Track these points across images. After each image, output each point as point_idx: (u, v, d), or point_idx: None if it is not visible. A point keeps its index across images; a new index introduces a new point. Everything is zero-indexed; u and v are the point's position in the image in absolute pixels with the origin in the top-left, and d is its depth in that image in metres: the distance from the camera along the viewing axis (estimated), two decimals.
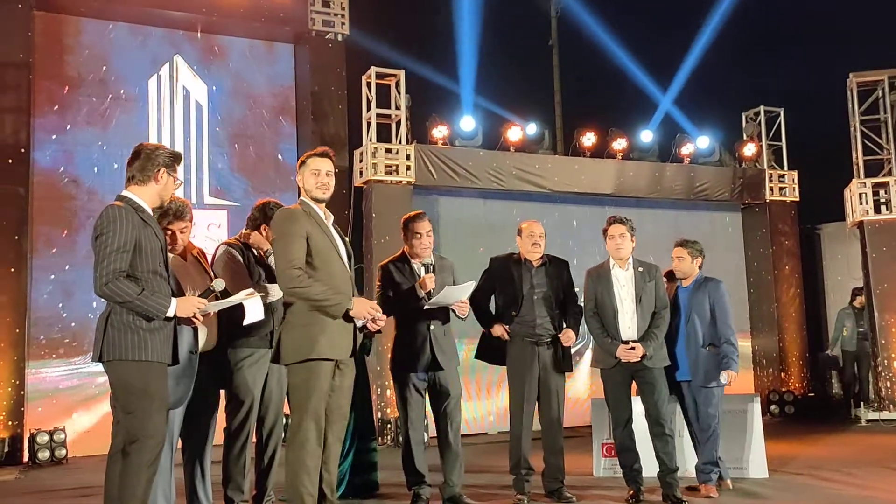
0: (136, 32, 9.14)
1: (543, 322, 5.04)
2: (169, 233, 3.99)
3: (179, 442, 4.13)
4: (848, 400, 10.69)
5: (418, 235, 4.86)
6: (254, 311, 4.00)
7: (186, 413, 4.00)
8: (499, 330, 5.06)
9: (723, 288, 5.42)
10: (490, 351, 5.18)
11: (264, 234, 4.50)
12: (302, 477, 3.74)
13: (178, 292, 3.65)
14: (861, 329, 10.55)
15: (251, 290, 3.91)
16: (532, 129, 10.20)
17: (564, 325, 5.09)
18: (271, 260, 4.31)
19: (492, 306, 5.26)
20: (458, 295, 4.73)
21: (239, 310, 3.98)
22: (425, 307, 4.70)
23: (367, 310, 3.87)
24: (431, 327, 4.77)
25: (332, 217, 4.03)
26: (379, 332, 4.20)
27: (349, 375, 3.95)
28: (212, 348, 4.09)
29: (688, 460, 5.78)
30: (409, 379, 4.80)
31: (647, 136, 10.71)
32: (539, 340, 5.03)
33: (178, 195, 3.92)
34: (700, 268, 5.46)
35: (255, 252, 4.52)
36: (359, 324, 3.93)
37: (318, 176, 3.93)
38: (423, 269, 4.80)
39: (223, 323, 4.14)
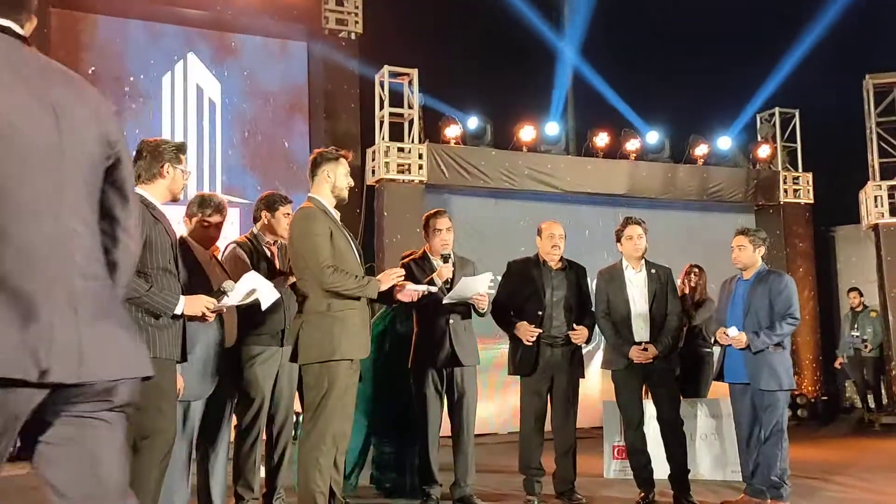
0: (151, 30, 9.18)
1: (559, 325, 5.00)
2: (206, 224, 4.04)
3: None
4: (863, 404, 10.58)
5: (438, 231, 4.85)
6: (267, 297, 3.90)
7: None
8: (526, 330, 4.89)
9: (787, 280, 4.85)
10: (523, 362, 4.97)
11: (265, 220, 4.50)
12: (314, 475, 3.74)
13: (209, 290, 3.68)
14: (854, 333, 9.90)
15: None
16: (554, 128, 10.13)
17: (575, 326, 5.01)
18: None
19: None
20: (476, 287, 4.67)
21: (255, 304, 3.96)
22: (444, 301, 4.65)
23: (390, 279, 4.02)
24: (451, 321, 4.74)
25: (338, 215, 4.04)
26: None
27: (357, 372, 3.95)
28: (228, 346, 4.11)
29: (700, 464, 5.73)
30: (428, 376, 4.78)
31: (652, 136, 10.61)
32: (553, 342, 4.98)
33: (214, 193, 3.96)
34: (762, 259, 4.93)
35: (268, 249, 4.51)
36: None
37: (348, 178, 3.99)
38: (441, 261, 4.79)
39: (240, 320, 4.16)
